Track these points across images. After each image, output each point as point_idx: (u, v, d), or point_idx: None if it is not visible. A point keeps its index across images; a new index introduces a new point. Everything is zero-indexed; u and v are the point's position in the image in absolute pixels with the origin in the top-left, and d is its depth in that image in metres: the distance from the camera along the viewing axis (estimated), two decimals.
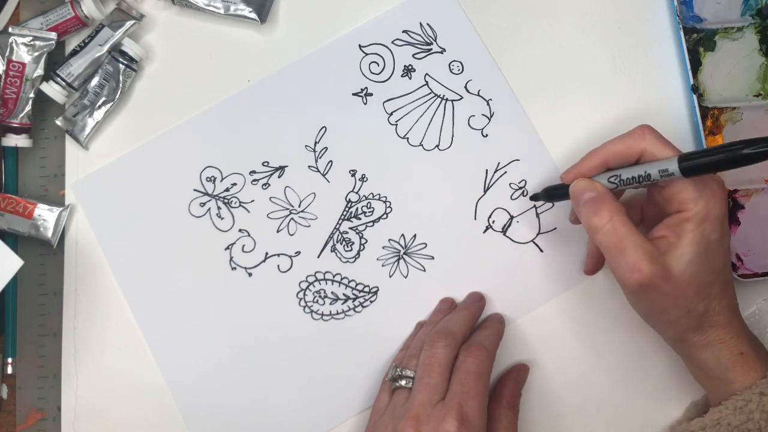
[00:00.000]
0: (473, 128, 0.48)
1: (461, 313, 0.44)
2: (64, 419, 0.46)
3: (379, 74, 0.49)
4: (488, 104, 0.49)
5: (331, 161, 0.48)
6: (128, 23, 0.47)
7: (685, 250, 0.38)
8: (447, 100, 0.49)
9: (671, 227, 0.38)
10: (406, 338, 0.46)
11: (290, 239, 0.47)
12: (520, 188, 0.48)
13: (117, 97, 0.48)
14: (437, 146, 0.48)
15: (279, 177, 0.48)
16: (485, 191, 0.48)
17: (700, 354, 0.40)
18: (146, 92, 0.49)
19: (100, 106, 0.47)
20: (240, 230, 0.47)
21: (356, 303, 0.47)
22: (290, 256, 0.47)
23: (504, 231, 0.48)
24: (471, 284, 0.47)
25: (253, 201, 0.48)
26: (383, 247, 0.47)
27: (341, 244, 0.47)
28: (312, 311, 0.47)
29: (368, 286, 0.47)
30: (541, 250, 0.47)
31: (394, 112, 0.49)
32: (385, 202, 0.48)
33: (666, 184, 0.39)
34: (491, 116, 0.49)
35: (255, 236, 0.47)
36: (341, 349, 0.46)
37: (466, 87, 0.49)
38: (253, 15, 0.48)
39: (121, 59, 0.47)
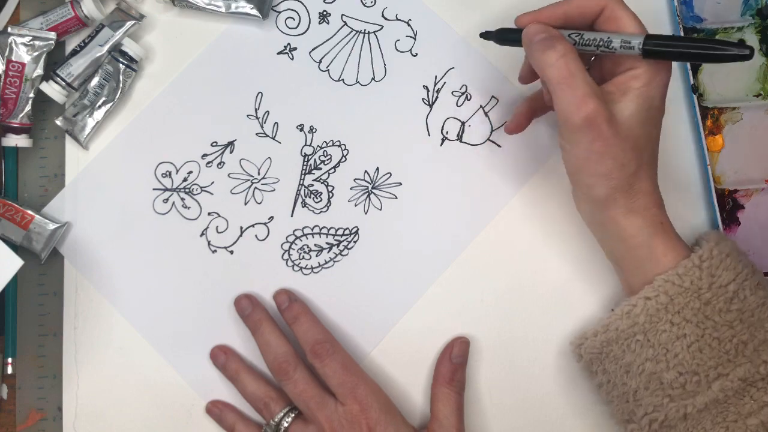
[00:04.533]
0: (401, 51, 0.49)
1: (276, 336, 0.44)
2: (64, 419, 0.46)
3: (296, 28, 0.49)
4: (409, 24, 0.50)
5: (276, 123, 0.48)
6: (128, 23, 0.47)
7: (628, 104, 0.38)
8: (368, 33, 0.50)
9: (617, 85, 0.39)
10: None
11: (259, 207, 0.48)
12: (463, 93, 0.49)
13: (117, 97, 0.47)
14: (373, 79, 0.49)
15: (231, 153, 0.48)
16: (431, 106, 0.49)
17: (623, 220, 0.40)
18: (146, 92, 0.49)
19: (100, 106, 0.47)
20: (209, 214, 0.48)
21: (341, 248, 0.47)
22: (265, 224, 0.48)
23: (459, 138, 0.49)
24: (443, 198, 0.48)
25: (213, 183, 0.48)
26: (351, 189, 0.48)
27: (310, 197, 0.48)
28: (301, 268, 0.47)
29: (347, 228, 0.48)
30: (499, 146, 0.48)
31: (322, 59, 0.49)
32: (339, 146, 0.48)
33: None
34: (415, 35, 0.50)
35: (225, 215, 0.48)
36: (339, 295, 0.47)
37: (383, 15, 0.50)
38: (255, 11, 0.48)
39: (121, 59, 0.47)
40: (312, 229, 0.48)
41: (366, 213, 0.48)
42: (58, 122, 0.47)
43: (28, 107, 0.47)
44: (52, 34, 0.46)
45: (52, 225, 0.46)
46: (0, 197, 0.47)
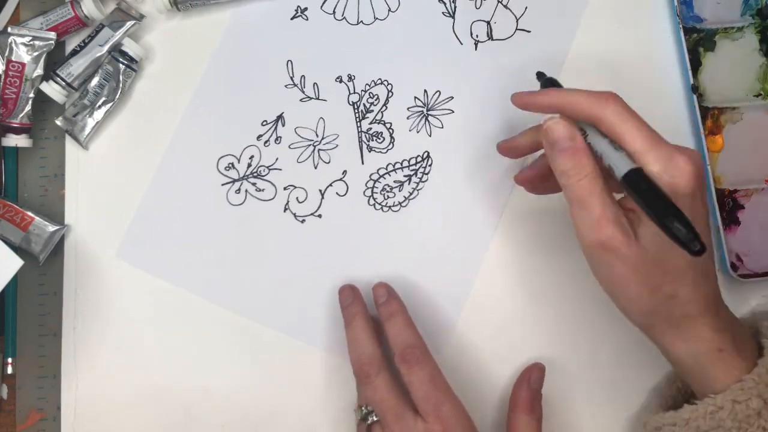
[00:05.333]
0: None
1: (366, 335, 0.43)
2: (64, 419, 0.46)
3: None
4: None
5: (314, 83, 0.49)
6: (128, 23, 0.47)
7: (652, 226, 0.35)
8: None
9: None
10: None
11: (330, 166, 0.48)
12: None
13: (117, 97, 0.47)
14: (389, 10, 0.50)
15: (283, 126, 0.48)
16: (453, 17, 0.50)
17: (672, 347, 0.37)
18: (146, 92, 0.49)
19: (100, 106, 0.47)
20: (285, 188, 0.48)
21: (419, 175, 0.48)
22: (341, 179, 0.48)
23: (490, 37, 0.49)
24: (494, 97, 0.48)
25: (277, 159, 0.48)
26: (407, 118, 0.49)
27: (373, 140, 0.48)
28: (390, 207, 0.48)
29: (418, 155, 0.49)
30: (528, 31, 0.50)
31: (335, 9, 0.49)
32: (382, 83, 0.49)
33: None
34: None
35: (300, 185, 0.48)
36: (430, 219, 0.48)
37: None
38: None
39: (121, 59, 0.47)
40: (386, 168, 0.48)
41: (430, 135, 0.49)
42: (58, 122, 0.47)
43: (28, 107, 0.47)
44: (52, 34, 0.46)
45: (51, 227, 0.46)
46: (0, 197, 0.47)
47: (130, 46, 0.47)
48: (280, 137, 0.48)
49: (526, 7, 0.50)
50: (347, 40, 0.49)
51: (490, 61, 0.49)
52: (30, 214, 0.46)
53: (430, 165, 0.48)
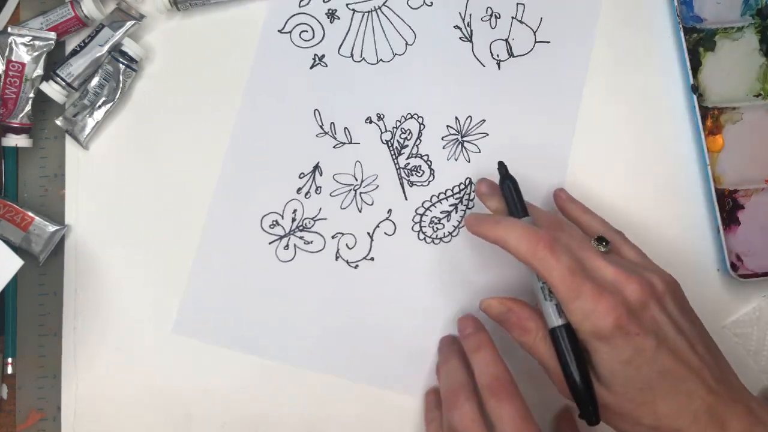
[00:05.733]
0: (416, 8, 0.50)
1: (457, 364, 0.43)
2: (64, 419, 0.46)
3: (313, 38, 0.49)
4: None
5: (345, 128, 0.49)
6: (128, 23, 0.47)
7: (602, 367, 0.37)
8: (378, 7, 0.50)
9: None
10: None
11: (374, 208, 0.48)
12: (491, 15, 0.50)
13: (117, 97, 0.47)
14: (407, 44, 0.49)
15: (321, 175, 0.48)
16: (471, 41, 0.49)
17: None
18: (146, 92, 0.49)
19: (100, 106, 0.47)
20: (333, 237, 0.48)
21: (464, 202, 0.48)
22: (387, 219, 0.48)
23: (511, 54, 0.49)
24: (527, 119, 0.49)
25: (320, 209, 0.48)
26: (443, 148, 0.49)
27: (412, 175, 0.48)
28: (441, 239, 0.48)
29: (460, 183, 0.48)
30: (548, 42, 0.49)
31: (352, 52, 0.49)
32: (412, 117, 0.49)
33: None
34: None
35: (348, 231, 0.48)
36: (485, 245, 0.46)
37: None
38: None
39: (121, 59, 0.47)
40: (431, 200, 0.48)
41: (469, 161, 0.48)
42: (58, 122, 0.47)
43: (28, 107, 0.47)
44: (52, 34, 0.46)
45: (51, 227, 0.46)
46: (0, 197, 0.47)
47: (130, 46, 0.47)
48: (320, 187, 0.48)
49: (541, 19, 0.50)
50: (370, 80, 0.49)
51: (515, 77, 0.49)
52: (30, 214, 0.46)
53: (473, 191, 0.48)
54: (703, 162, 0.47)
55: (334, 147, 0.48)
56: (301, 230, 0.48)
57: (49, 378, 0.46)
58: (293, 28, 0.49)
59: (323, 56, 0.49)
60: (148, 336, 0.47)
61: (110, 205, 0.48)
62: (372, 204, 0.48)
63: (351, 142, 0.48)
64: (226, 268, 0.47)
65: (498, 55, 0.49)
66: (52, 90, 0.47)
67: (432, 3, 0.50)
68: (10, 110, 0.46)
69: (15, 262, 0.40)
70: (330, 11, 0.49)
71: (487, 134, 0.49)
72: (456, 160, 0.49)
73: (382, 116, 0.49)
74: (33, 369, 0.47)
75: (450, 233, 0.48)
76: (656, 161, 0.49)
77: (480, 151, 0.49)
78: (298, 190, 0.48)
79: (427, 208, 0.48)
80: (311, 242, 0.48)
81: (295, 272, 0.47)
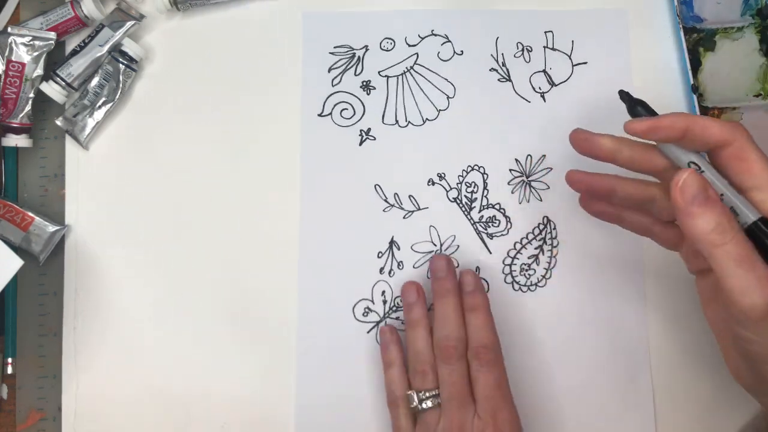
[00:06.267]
0: (447, 60, 0.49)
1: (457, 315, 0.43)
2: (64, 419, 0.46)
3: (354, 115, 0.49)
4: (434, 33, 0.49)
5: (409, 195, 0.48)
6: (128, 23, 0.47)
7: None
8: (410, 68, 0.49)
9: None
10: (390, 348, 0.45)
11: (459, 268, 0.47)
12: (522, 50, 0.49)
13: (117, 97, 0.48)
14: (448, 98, 0.49)
15: (399, 249, 0.47)
16: (510, 80, 0.49)
17: None
18: (146, 92, 0.49)
19: (100, 106, 0.47)
20: (429, 310, 0.45)
21: (548, 242, 0.48)
22: (480, 278, 0.47)
23: (552, 83, 0.49)
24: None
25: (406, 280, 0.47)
26: (512, 192, 0.48)
27: (490, 227, 0.48)
28: (536, 284, 0.47)
29: (539, 224, 0.48)
30: (585, 62, 0.49)
31: (396, 119, 0.49)
32: (473, 169, 0.48)
33: None
34: (446, 37, 0.49)
35: None
36: (583, 277, 0.47)
37: (407, 43, 0.49)
38: None
39: (121, 59, 0.47)
40: (515, 248, 0.47)
41: (541, 200, 0.48)
42: (58, 122, 0.47)
43: (28, 107, 0.47)
44: (52, 34, 0.46)
45: (51, 227, 0.46)
46: (0, 198, 0.47)
47: (130, 46, 0.47)
48: (401, 261, 0.47)
49: (572, 41, 0.49)
50: (421, 141, 0.48)
51: (562, 105, 0.49)
52: (30, 214, 0.46)
53: (554, 228, 0.48)
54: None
55: (404, 218, 0.48)
56: (395, 311, 0.47)
57: (49, 378, 0.46)
58: (332, 109, 0.49)
59: (369, 130, 0.48)
60: (148, 336, 0.47)
61: (110, 205, 0.48)
62: (458, 266, 0.47)
63: (420, 209, 0.48)
64: (331, 367, 0.46)
65: (540, 88, 0.49)
66: (52, 90, 0.47)
67: (462, 52, 0.49)
68: (10, 110, 0.46)
69: (15, 262, 0.40)
70: (364, 83, 0.49)
71: (551, 168, 0.48)
72: (528, 201, 0.48)
73: (443, 175, 0.48)
74: (33, 369, 0.47)
75: (544, 277, 0.47)
76: None
77: (549, 188, 0.48)
78: (381, 270, 0.47)
79: (514, 257, 0.47)
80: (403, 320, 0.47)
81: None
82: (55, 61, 0.47)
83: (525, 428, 0.42)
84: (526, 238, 0.48)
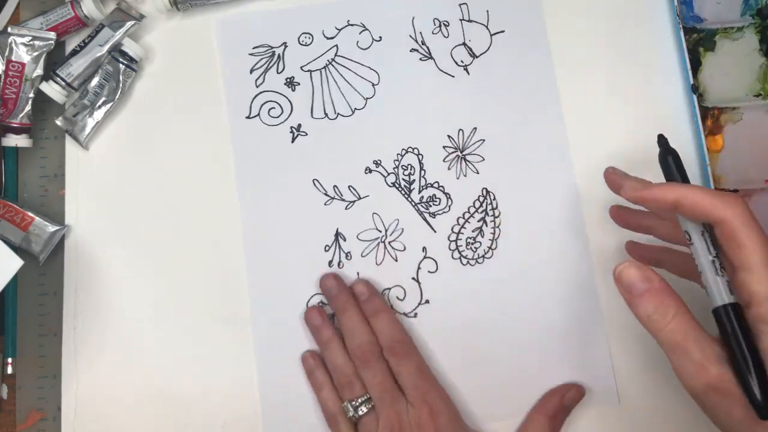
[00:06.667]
0: (365, 48, 0.50)
1: (361, 323, 0.44)
2: (64, 419, 0.46)
3: (282, 113, 0.49)
4: (354, 24, 0.50)
5: (349, 186, 0.48)
6: (128, 23, 0.47)
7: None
8: (332, 60, 0.49)
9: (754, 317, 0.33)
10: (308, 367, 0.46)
11: (408, 252, 0.47)
12: (438, 25, 0.50)
13: (117, 97, 0.48)
14: (372, 84, 0.49)
15: (345, 240, 0.47)
16: (431, 57, 0.49)
17: None
18: (146, 92, 0.49)
19: (100, 106, 0.47)
20: (383, 292, 0.47)
21: (490, 213, 0.48)
22: (426, 257, 0.47)
23: (474, 56, 0.49)
24: (509, 99, 0.49)
25: (358, 273, 0.47)
26: (449, 169, 0.48)
27: (431, 206, 0.48)
28: (484, 257, 0.47)
29: (478, 196, 0.48)
30: (503, 31, 0.50)
31: (325, 111, 0.49)
32: (408, 151, 0.48)
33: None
34: (363, 25, 0.50)
35: (392, 284, 0.47)
36: (530, 240, 0.47)
37: (324, 35, 0.50)
38: None
39: (121, 59, 0.47)
40: (458, 223, 0.48)
41: (478, 172, 0.48)
42: (58, 122, 0.47)
43: (28, 107, 0.47)
44: (52, 34, 0.46)
45: (51, 227, 0.46)
46: (0, 198, 0.47)
47: (130, 46, 0.47)
48: (349, 252, 0.47)
49: (487, 11, 0.50)
50: (352, 131, 0.49)
51: (487, 75, 0.49)
52: (30, 214, 0.46)
53: (494, 199, 0.48)
54: (703, 162, 0.47)
55: (346, 208, 0.48)
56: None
57: (49, 378, 0.46)
58: (260, 109, 0.49)
59: (299, 126, 0.49)
60: (148, 336, 0.47)
61: (110, 205, 0.48)
62: (405, 249, 0.47)
63: (360, 198, 0.48)
64: (296, 368, 0.46)
65: (462, 61, 0.49)
66: (52, 90, 0.47)
67: (380, 38, 0.50)
68: (10, 110, 0.46)
69: (15, 262, 0.40)
70: (288, 80, 0.49)
71: (484, 140, 0.49)
72: (465, 175, 0.48)
73: (379, 162, 0.48)
74: (33, 369, 0.47)
75: (490, 248, 0.47)
76: (657, 161, 0.49)
77: (483, 159, 0.48)
78: (330, 263, 0.47)
79: (458, 233, 0.48)
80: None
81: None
82: (55, 61, 0.47)
83: (486, 396, 0.45)
84: (468, 212, 0.48)
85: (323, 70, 0.49)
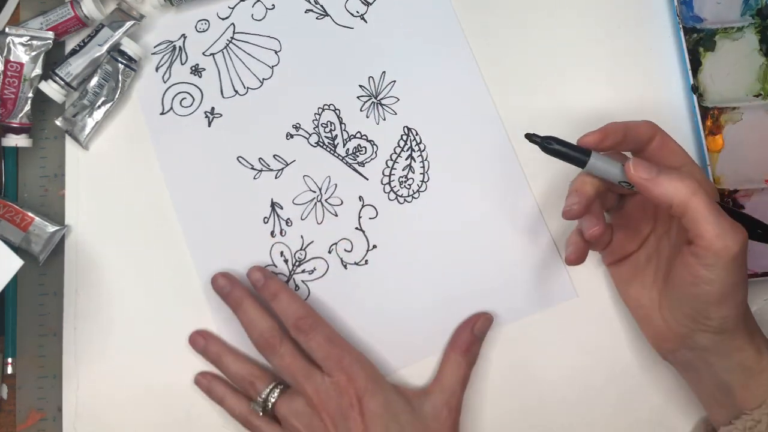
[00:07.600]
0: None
1: (259, 312, 0.44)
2: (64, 419, 0.46)
3: (190, 106, 0.49)
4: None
5: (274, 155, 0.48)
6: (128, 23, 0.47)
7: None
8: (229, 42, 0.49)
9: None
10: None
11: (346, 206, 0.48)
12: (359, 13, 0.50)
13: (116, 96, 0.47)
14: (276, 51, 0.50)
15: (282, 208, 0.48)
16: (327, 13, 0.50)
17: (748, 345, 0.39)
18: (146, 92, 0.49)
19: (99, 106, 0.47)
20: (329, 252, 0.47)
21: (416, 149, 0.49)
22: (365, 205, 0.48)
23: (368, 3, 0.50)
24: (412, 40, 0.50)
25: (302, 237, 0.48)
26: (367, 117, 0.49)
27: (359, 156, 0.48)
28: (419, 192, 0.48)
29: (401, 135, 0.49)
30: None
31: (235, 89, 0.49)
32: (324, 109, 0.49)
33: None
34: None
35: (339, 237, 0.48)
36: (464, 169, 0.48)
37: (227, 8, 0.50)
38: None
39: (120, 59, 0.47)
40: (388, 165, 0.48)
41: (396, 113, 0.49)
42: (58, 122, 0.47)
43: (27, 107, 0.47)
44: (50, 34, 0.46)
45: (51, 227, 0.46)
46: (0, 198, 0.47)
47: (129, 46, 0.47)
48: (288, 219, 0.48)
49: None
50: (265, 102, 0.49)
51: (384, 20, 0.50)
52: (30, 214, 0.46)
53: (417, 134, 0.49)
54: (703, 162, 0.47)
55: (276, 178, 0.48)
56: (299, 265, 0.47)
57: (49, 378, 0.46)
58: (171, 103, 0.49)
59: (213, 109, 0.49)
60: (148, 336, 0.47)
61: (110, 205, 0.48)
62: (342, 203, 0.48)
63: (288, 164, 0.48)
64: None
65: (357, 12, 0.50)
66: (51, 89, 0.47)
67: (273, 6, 0.50)
68: (9, 110, 0.46)
69: (15, 262, 0.40)
70: (192, 68, 0.49)
71: (394, 81, 0.49)
72: (384, 119, 0.49)
73: (298, 125, 0.49)
74: (33, 369, 0.47)
75: (423, 181, 0.48)
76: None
77: (398, 100, 0.49)
78: (272, 234, 0.48)
79: (390, 175, 0.48)
80: (314, 269, 0.47)
81: (318, 303, 0.47)
82: (54, 61, 0.47)
83: (438, 335, 0.46)
84: (395, 152, 0.49)
85: (224, 51, 0.50)
